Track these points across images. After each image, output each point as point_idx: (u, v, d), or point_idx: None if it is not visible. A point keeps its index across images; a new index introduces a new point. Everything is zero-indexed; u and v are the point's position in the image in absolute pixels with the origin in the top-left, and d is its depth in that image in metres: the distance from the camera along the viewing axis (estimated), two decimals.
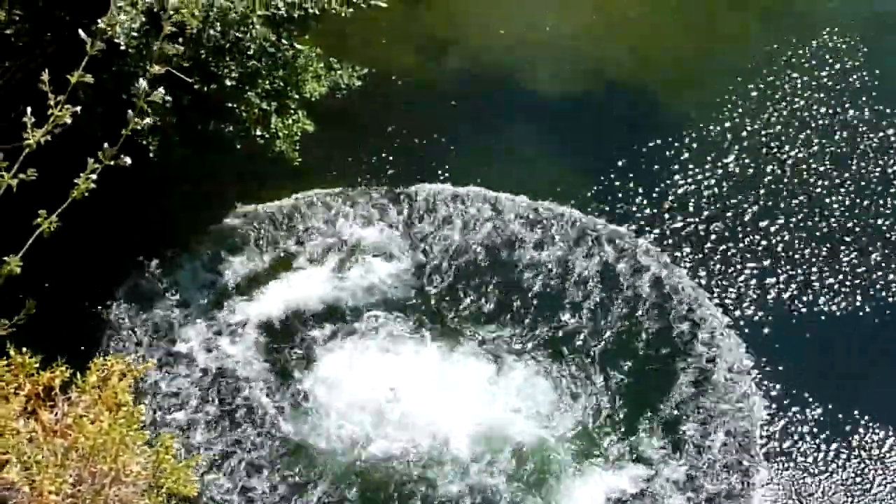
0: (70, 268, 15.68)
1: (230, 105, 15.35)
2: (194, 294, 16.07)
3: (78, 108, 6.61)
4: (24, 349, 7.41)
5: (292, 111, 15.50)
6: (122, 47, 13.93)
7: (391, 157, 18.01)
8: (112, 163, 6.64)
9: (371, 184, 17.61)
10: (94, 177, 6.55)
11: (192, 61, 14.34)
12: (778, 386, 15.37)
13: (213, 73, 14.70)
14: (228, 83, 14.57)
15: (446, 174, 17.76)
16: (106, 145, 6.58)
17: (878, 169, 17.92)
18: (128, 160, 6.86)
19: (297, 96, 15.43)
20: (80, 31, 10.89)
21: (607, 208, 17.38)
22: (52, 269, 14.56)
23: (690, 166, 17.95)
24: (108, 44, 13.94)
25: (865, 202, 17.48)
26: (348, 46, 19.09)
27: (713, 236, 16.99)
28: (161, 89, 7.02)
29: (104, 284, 16.07)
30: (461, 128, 18.65)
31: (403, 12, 20.11)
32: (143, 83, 6.93)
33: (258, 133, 15.27)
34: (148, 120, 7.53)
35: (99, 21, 13.86)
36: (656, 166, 18.02)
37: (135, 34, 13.90)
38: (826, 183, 17.71)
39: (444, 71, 19.60)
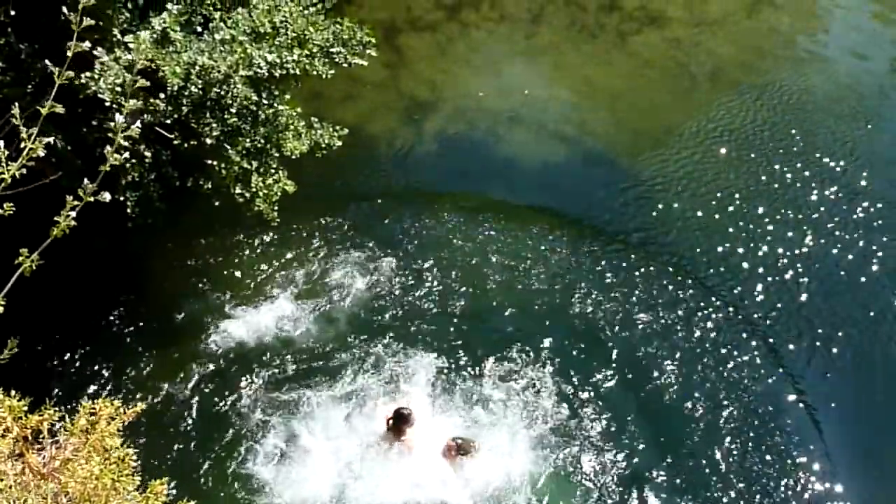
0: (54, 308, 15.93)
1: (210, 162, 15.80)
2: (172, 339, 16.29)
3: (52, 139, 6.85)
4: (12, 391, 7.55)
5: (273, 170, 15.86)
6: (107, 103, 14.31)
7: (369, 221, 18.40)
8: (92, 199, 6.92)
9: (350, 246, 17.94)
10: (73, 214, 6.81)
11: (173, 117, 14.80)
12: None
13: (194, 130, 15.14)
14: (209, 140, 14.98)
15: (426, 236, 18.14)
16: (86, 181, 6.84)
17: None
18: (107, 196, 7.15)
19: (277, 155, 15.81)
20: (47, 60, 11.35)
21: (587, 270, 17.75)
22: (37, 309, 14.81)
23: (674, 230, 18.40)
24: (90, 99, 14.43)
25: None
26: (329, 106, 19.71)
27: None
28: (138, 124, 7.27)
29: (88, 326, 16.28)
30: (439, 186, 19.11)
31: (385, 75, 20.85)
32: (119, 118, 7.24)
33: (238, 191, 15.60)
34: (126, 154, 7.70)
35: (82, 76, 14.36)
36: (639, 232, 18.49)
37: (118, 90, 14.27)
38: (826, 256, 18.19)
39: (424, 132, 20.13)
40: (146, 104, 14.58)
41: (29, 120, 13.13)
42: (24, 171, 6.70)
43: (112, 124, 6.64)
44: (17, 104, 7.00)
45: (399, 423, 14.92)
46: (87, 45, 7.55)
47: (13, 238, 7.31)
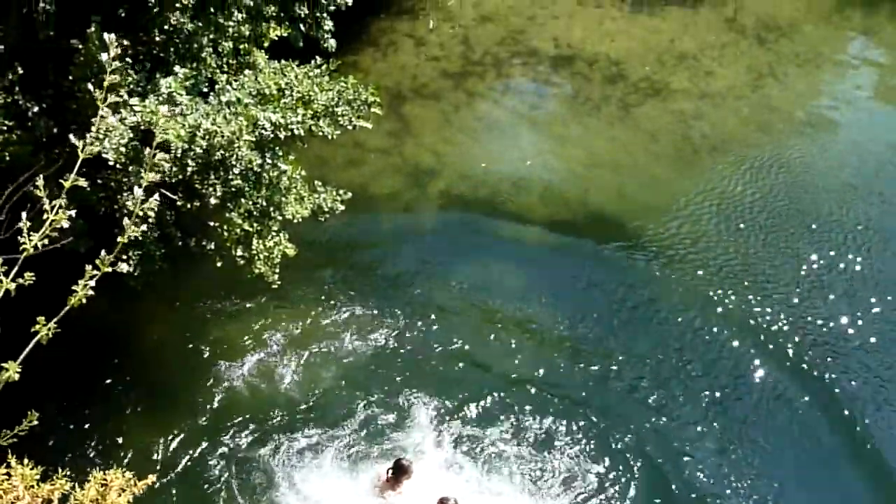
0: (54, 372, 15.98)
1: (212, 224, 15.99)
2: (174, 403, 16.34)
3: (74, 212, 6.98)
4: (25, 460, 7.54)
5: (274, 233, 16.01)
6: (110, 161, 14.50)
7: (367, 287, 18.52)
8: (110, 269, 7.04)
9: (350, 309, 18.04)
10: (92, 283, 6.92)
11: (177, 178, 14.98)
12: None
13: (197, 191, 15.33)
14: (212, 201, 15.16)
15: (427, 302, 18.26)
16: (103, 252, 6.96)
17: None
18: (124, 267, 7.29)
19: (279, 218, 15.99)
20: (71, 135, 11.58)
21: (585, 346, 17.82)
22: (38, 373, 14.85)
23: (676, 298, 18.52)
24: (93, 158, 14.61)
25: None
26: (332, 170, 19.95)
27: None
28: (157, 196, 7.39)
29: (88, 391, 16.34)
30: (438, 258, 19.27)
31: (389, 142, 21.13)
32: (138, 191, 7.37)
33: (239, 253, 15.76)
34: (143, 227, 7.77)
35: (87, 135, 14.59)
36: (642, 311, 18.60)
37: (122, 149, 14.47)
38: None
39: (426, 200, 20.33)
40: (151, 164, 14.79)
41: (33, 176, 13.34)
42: (45, 241, 6.79)
43: (128, 195, 6.75)
44: (41, 176, 7.12)
45: (398, 473, 14.98)
46: (111, 118, 7.67)
47: (18, 301, 7.42)
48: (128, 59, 15.35)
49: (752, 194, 20.47)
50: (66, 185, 6.96)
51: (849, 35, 25.56)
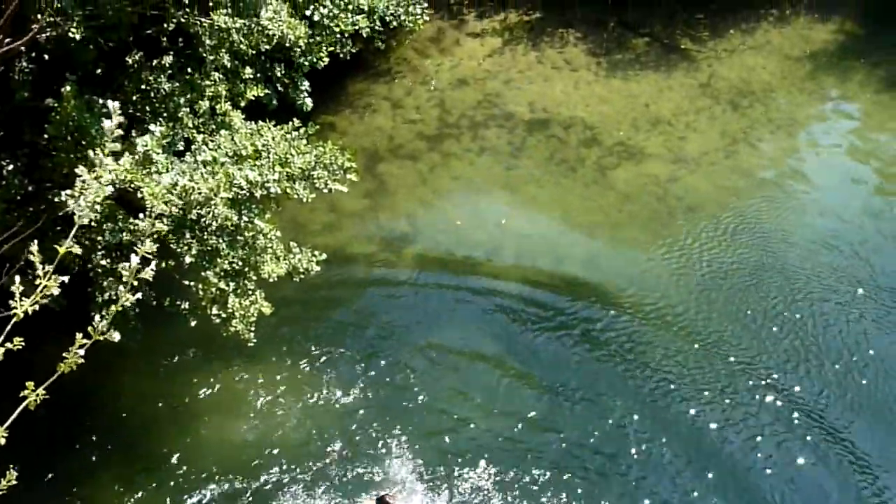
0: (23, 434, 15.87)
1: (188, 283, 16.08)
2: (145, 467, 16.29)
3: (66, 278, 6.99)
4: None
5: (250, 292, 16.11)
6: (85, 221, 14.55)
7: (343, 345, 18.59)
8: (101, 338, 7.07)
9: (324, 369, 18.09)
10: (82, 352, 6.93)
11: (152, 236, 15.07)
12: None
13: (172, 250, 15.43)
14: (188, 260, 15.27)
15: (401, 364, 18.32)
16: (97, 319, 6.97)
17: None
18: (116, 336, 7.31)
19: (255, 277, 16.10)
20: (65, 194, 11.59)
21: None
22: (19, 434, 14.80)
23: (650, 369, 18.62)
24: (67, 216, 14.67)
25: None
26: (308, 233, 20.09)
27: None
28: (153, 265, 7.38)
29: (57, 455, 16.29)
30: (414, 319, 19.38)
31: (365, 203, 21.30)
32: (135, 260, 7.40)
33: (214, 312, 15.85)
34: (139, 295, 7.71)
35: (62, 194, 14.68)
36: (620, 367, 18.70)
37: (98, 207, 14.56)
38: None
39: (402, 261, 20.48)
40: (125, 223, 14.90)
41: (12, 237, 13.40)
42: (36, 307, 6.80)
43: (124, 265, 6.76)
44: (35, 242, 7.14)
45: None
46: (87, 176, 7.63)
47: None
48: (104, 118, 15.45)
49: (725, 258, 20.65)
50: (62, 251, 6.98)
51: (822, 101, 25.89)
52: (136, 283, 6.90)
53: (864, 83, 26.24)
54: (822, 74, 26.30)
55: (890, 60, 26.65)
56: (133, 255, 7.12)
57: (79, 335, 6.62)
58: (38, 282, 6.71)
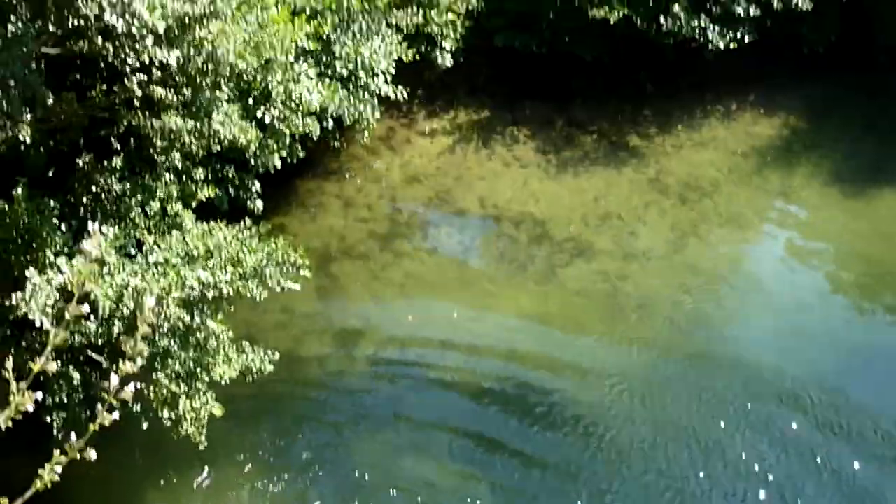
0: None
1: (139, 385, 16.13)
2: None
3: (40, 394, 7.05)
4: None
5: (201, 394, 16.20)
6: (37, 323, 14.68)
7: (294, 447, 18.66)
8: (78, 456, 7.14)
9: (277, 472, 18.13)
10: (58, 469, 7.01)
11: (103, 339, 15.19)
12: None
13: (124, 353, 15.51)
14: (139, 362, 15.34)
15: (355, 462, 18.41)
16: (73, 438, 7.02)
17: None
18: (93, 455, 7.36)
19: (206, 379, 16.21)
20: (16, 297, 11.70)
21: None
22: None
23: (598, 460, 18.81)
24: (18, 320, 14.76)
25: None
26: (261, 331, 20.23)
27: None
28: (132, 386, 7.35)
29: None
30: (371, 411, 19.50)
31: (317, 302, 21.52)
32: (115, 379, 7.47)
33: (165, 415, 15.92)
34: (116, 414, 7.69)
35: (14, 297, 14.80)
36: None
37: (49, 310, 14.67)
38: None
39: (354, 362, 20.73)
40: (76, 326, 14.99)
41: None
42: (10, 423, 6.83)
43: (105, 384, 6.84)
44: (10, 358, 7.19)
45: None
46: (37, 279, 7.72)
47: None
48: (55, 220, 15.67)
49: (675, 355, 21.02)
50: (35, 368, 7.02)
51: (769, 196, 26.48)
52: (115, 401, 6.96)
53: (810, 177, 26.88)
54: (768, 169, 26.92)
55: (834, 155, 27.40)
56: (113, 375, 7.19)
57: (56, 452, 6.66)
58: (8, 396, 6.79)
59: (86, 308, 6.37)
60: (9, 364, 6.67)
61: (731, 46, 28.03)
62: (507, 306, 22.20)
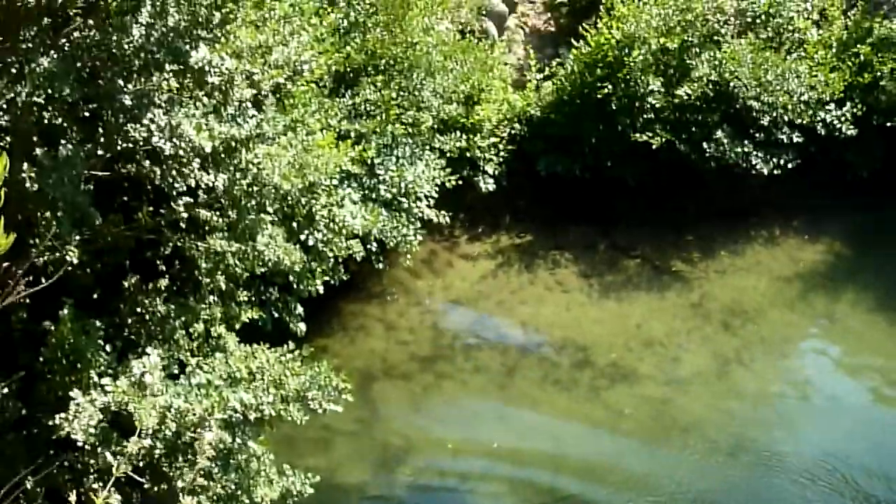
0: None
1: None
2: None
3: None
4: None
5: None
6: (79, 443, 14.90)
7: None
8: None
9: None
10: None
11: (145, 460, 15.35)
12: None
13: (165, 474, 15.68)
14: (180, 485, 15.50)
15: None
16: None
17: None
18: None
19: (247, 501, 16.28)
20: (59, 417, 11.85)
21: None
22: None
23: None
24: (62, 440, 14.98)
25: None
26: (301, 453, 20.29)
27: None
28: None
29: None
30: None
31: (358, 423, 21.59)
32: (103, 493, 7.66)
33: None
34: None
35: (57, 417, 15.03)
36: None
37: (92, 430, 14.89)
38: None
39: (395, 484, 20.70)
40: (119, 447, 15.18)
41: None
42: None
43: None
44: (30, 478, 7.38)
45: None
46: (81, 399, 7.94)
47: None
48: (100, 341, 15.96)
49: (719, 480, 20.93)
50: (98, 501, 7.16)
51: (813, 322, 26.54)
52: None
53: (855, 304, 26.93)
54: (812, 295, 27.00)
55: (878, 282, 27.40)
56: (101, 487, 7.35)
57: None
58: None
59: (147, 442, 6.60)
60: (72, 498, 6.85)
61: (775, 172, 28.31)
62: (550, 430, 22.22)
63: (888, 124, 29.72)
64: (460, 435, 22.00)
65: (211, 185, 16.76)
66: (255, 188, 17.43)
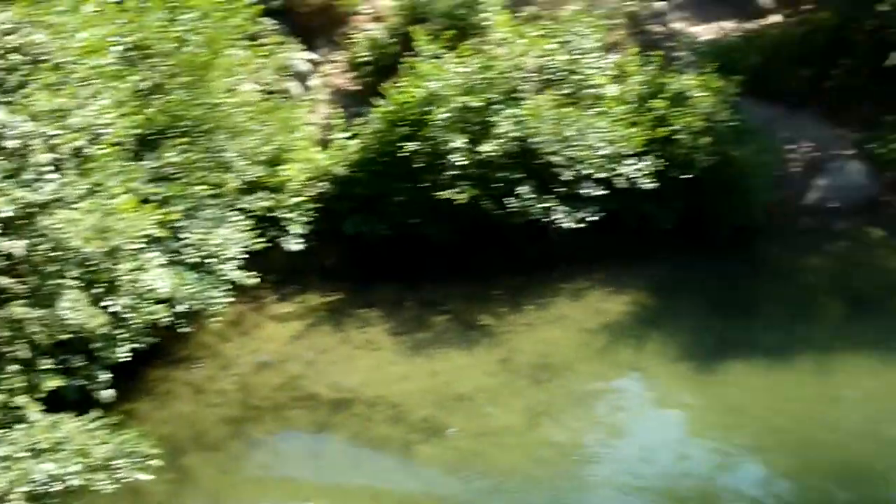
0: None
1: None
2: None
3: None
4: None
5: None
6: None
7: None
8: None
9: None
10: None
11: None
12: None
13: None
14: None
15: None
16: None
17: None
18: None
19: None
20: None
21: None
22: None
23: None
24: None
25: None
26: None
27: None
28: None
29: None
30: None
31: (168, 489, 21.53)
32: None
33: None
34: None
35: None
36: None
37: None
38: None
39: None
40: None
41: None
42: None
43: None
44: None
45: None
46: None
47: None
48: None
49: None
50: None
51: (620, 372, 27.59)
52: None
53: (659, 354, 28.10)
54: (618, 345, 28.08)
55: (682, 332, 28.71)
56: None
57: None
58: None
59: None
60: None
61: (579, 226, 29.42)
62: (362, 488, 22.53)
63: (684, 177, 31.18)
64: (273, 497, 22.15)
65: (9, 251, 16.74)
66: (56, 253, 17.44)
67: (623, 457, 24.02)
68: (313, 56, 34.46)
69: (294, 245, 27.87)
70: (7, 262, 17.23)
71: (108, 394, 20.25)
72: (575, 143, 29.51)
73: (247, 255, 24.73)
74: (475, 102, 28.91)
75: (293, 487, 22.64)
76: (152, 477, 17.31)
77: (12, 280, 17.41)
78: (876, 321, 30.12)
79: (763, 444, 25.03)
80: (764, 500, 22.71)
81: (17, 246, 16.66)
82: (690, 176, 31.58)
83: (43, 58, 17.88)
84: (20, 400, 17.57)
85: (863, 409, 26.29)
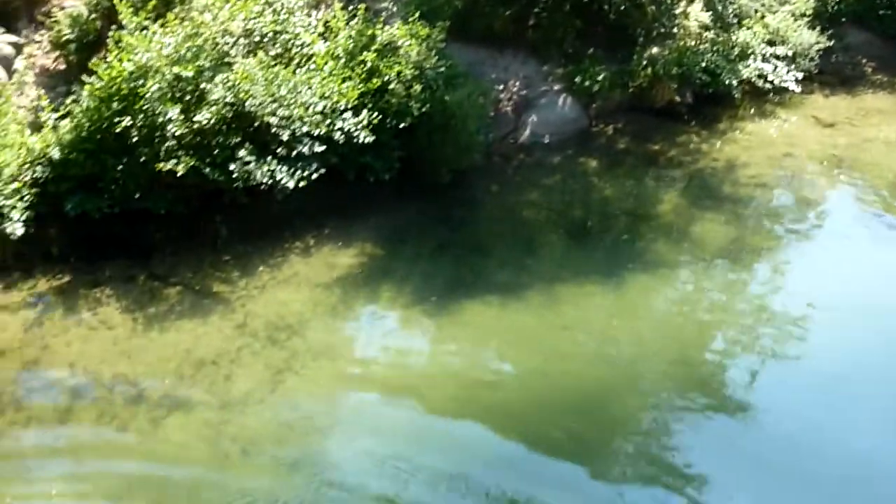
0: None
1: None
2: None
3: None
4: None
5: None
6: None
7: None
8: None
9: None
10: None
11: None
12: None
13: None
14: None
15: None
16: None
17: None
18: None
19: None
20: None
21: None
22: None
23: None
24: None
25: None
26: None
27: None
28: None
29: None
30: None
31: None
32: None
33: None
34: None
35: None
36: None
37: None
38: None
39: None
40: None
41: None
42: None
43: None
44: None
45: None
46: None
47: None
48: None
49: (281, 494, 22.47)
50: None
51: (357, 322, 28.72)
52: None
53: (393, 300, 29.41)
54: (351, 297, 29.19)
55: (412, 277, 30.19)
56: None
57: None
58: None
59: None
60: None
61: (301, 185, 30.23)
62: (106, 471, 22.72)
63: (400, 126, 32.46)
64: (22, 489, 22.19)
65: None
66: None
67: (368, 418, 24.90)
68: (15, 39, 33.91)
69: (17, 230, 27.63)
70: None
71: None
72: (289, 103, 30.19)
73: None
74: (186, 72, 29.19)
75: (38, 473, 22.65)
76: None
77: None
78: (595, 249, 32.29)
79: (501, 380, 26.61)
80: (504, 434, 24.20)
81: None
82: (407, 124, 32.87)
83: None
84: None
85: (592, 335, 28.18)
